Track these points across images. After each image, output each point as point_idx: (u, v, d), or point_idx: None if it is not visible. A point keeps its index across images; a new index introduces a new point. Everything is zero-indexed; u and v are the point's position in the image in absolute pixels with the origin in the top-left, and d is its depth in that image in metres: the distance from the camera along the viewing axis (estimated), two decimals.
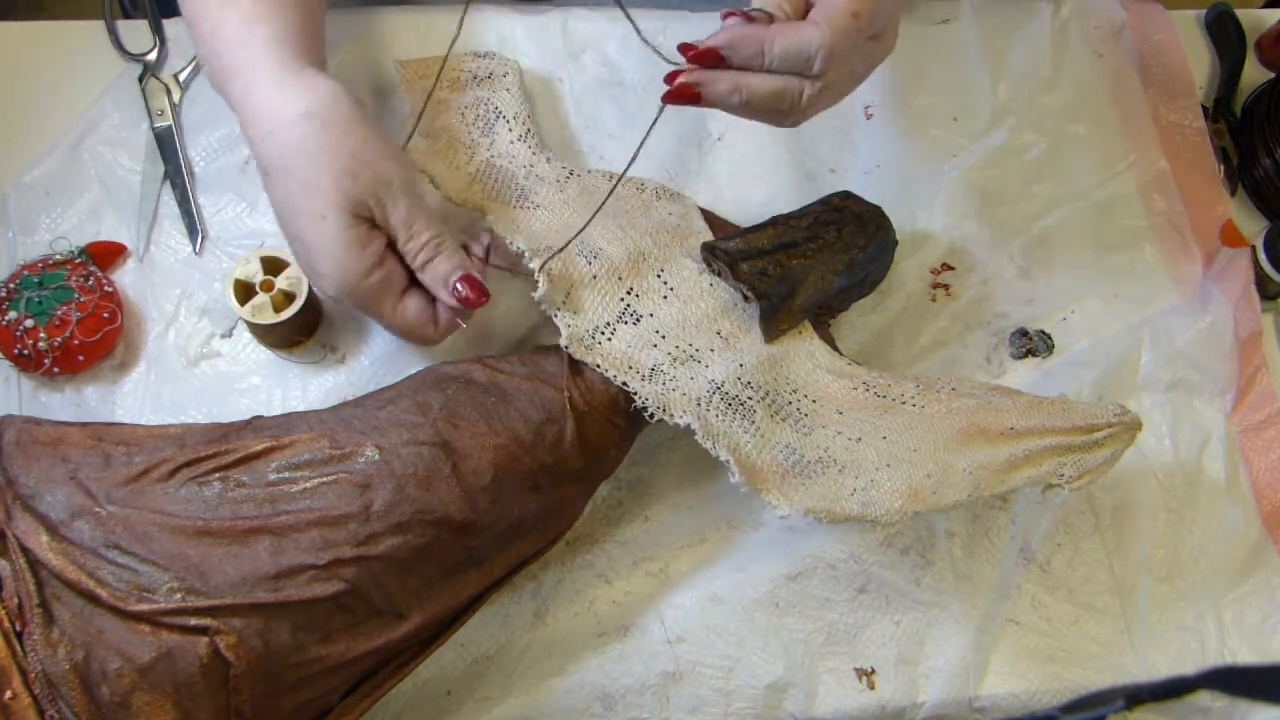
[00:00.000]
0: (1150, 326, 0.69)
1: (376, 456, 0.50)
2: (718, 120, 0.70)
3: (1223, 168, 0.75)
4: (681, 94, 0.50)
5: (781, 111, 0.50)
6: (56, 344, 0.58)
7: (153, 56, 0.66)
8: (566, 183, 0.61)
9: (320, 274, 0.52)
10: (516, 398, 0.53)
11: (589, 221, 0.56)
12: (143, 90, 0.65)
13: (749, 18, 0.49)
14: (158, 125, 0.65)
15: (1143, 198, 0.73)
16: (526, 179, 0.61)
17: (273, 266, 0.58)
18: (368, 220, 0.51)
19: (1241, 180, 0.76)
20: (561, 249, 0.55)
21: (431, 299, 0.54)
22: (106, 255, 0.62)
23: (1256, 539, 0.66)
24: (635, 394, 0.54)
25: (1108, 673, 0.62)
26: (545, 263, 0.55)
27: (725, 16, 0.50)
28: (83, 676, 0.44)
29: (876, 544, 0.62)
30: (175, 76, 0.66)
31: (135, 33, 0.67)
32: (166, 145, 0.64)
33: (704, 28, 0.72)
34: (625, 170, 0.53)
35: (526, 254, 0.56)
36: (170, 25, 0.67)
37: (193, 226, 0.63)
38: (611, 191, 0.55)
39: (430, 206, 0.53)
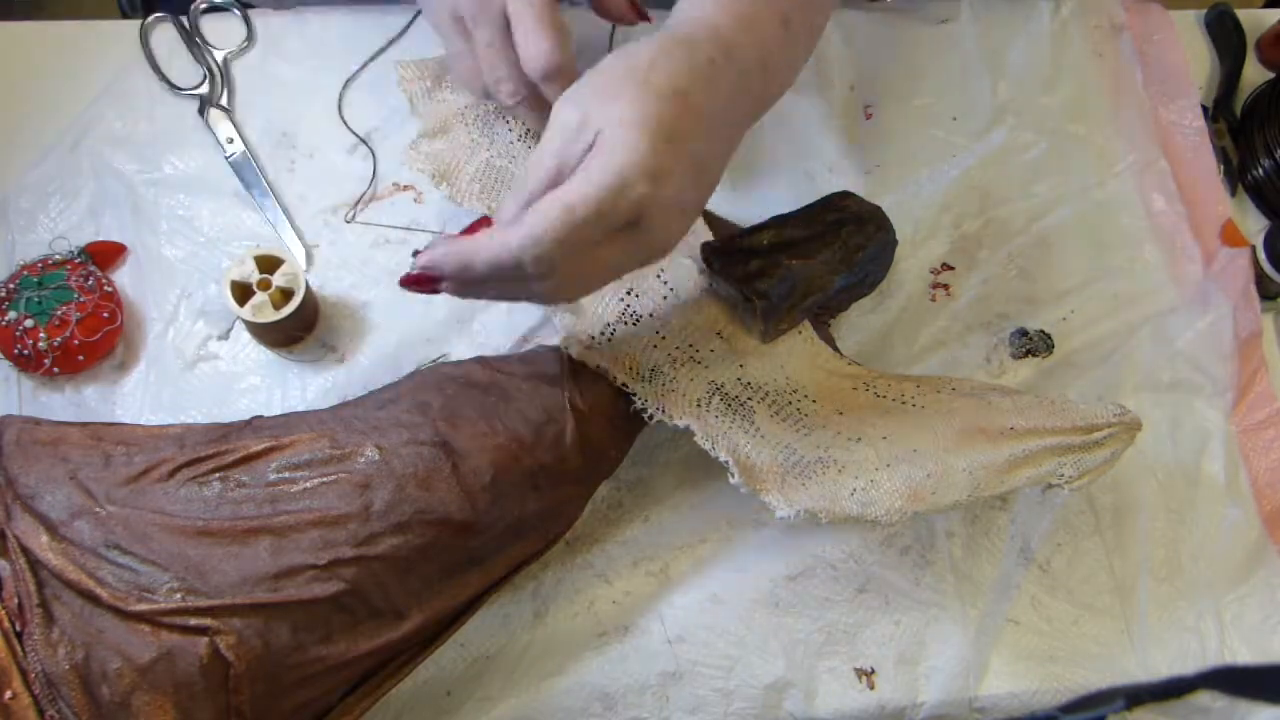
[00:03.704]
0: (1150, 326, 0.69)
1: (376, 456, 0.50)
2: None
3: (1223, 168, 0.75)
4: (415, 281, 0.46)
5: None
6: (56, 344, 0.58)
7: (205, 89, 0.66)
8: None
9: None
10: (516, 398, 0.53)
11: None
12: (206, 123, 0.65)
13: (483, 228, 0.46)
14: (231, 155, 0.64)
15: (1143, 198, 0.73)
16: None
17: (268, 265, 0.58)
18: None
19: (1241, 180, 0.76)
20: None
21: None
22: (106, 255, 0.62)
23: (1256, 539, 0.66)
24: (634, 395, 0.54)
25: (1108, 673, 0.62)
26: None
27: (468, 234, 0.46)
28: (83, 676, 0.44)
29: (876, 544, 0.62)
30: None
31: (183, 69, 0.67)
32: (245, 173, 0.64)
33: None
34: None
35: None
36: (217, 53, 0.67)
37: (297, 244, 0.64)
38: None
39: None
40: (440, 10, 0.55)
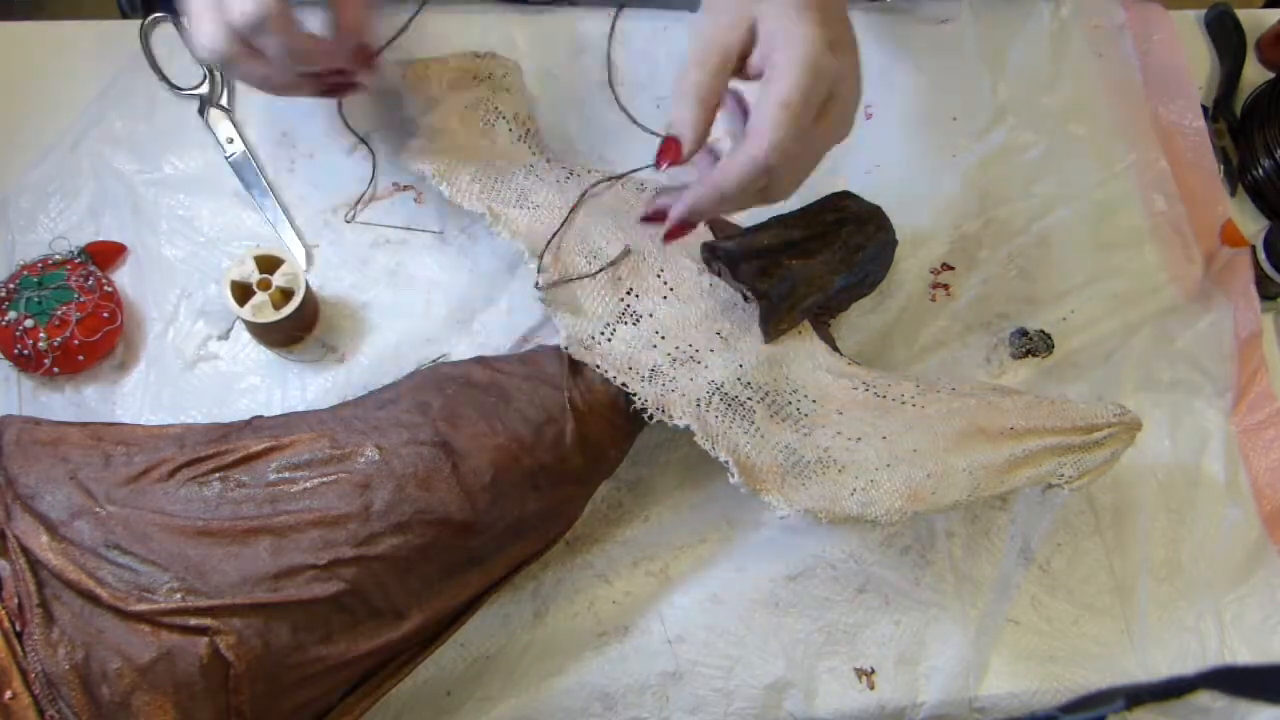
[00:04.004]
0: (1150, 326, 0.69)
1: (376, 456, 0.50)
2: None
3: (1223, 168, 0.75)
4: (678, 232, 0.50)
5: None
6: (56, 344, 0.58)
7: (205, 89, 0.66)
8: (566, 183, 0.61)
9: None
10: (516, 398, 0.53)
11: (574, 209, 0.56)
12: (206, 123, 0.65)
13: (672, 150, 0.48)
14: (231, 155, 0.65)
15: (1143, 198, 0.73)
16: (526, 179, 0.61)
17: (268, 265, 0.58)
18: None
19: (1241, 180, 0.76)
20: (550, 240, 0.56)
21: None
22: (106, 255, 0.62)
23: (1256, 539, 0.66)
24: (634, 395, 0.54)
25: (1108, 673, 0.62)
26: (541, 255, 0.55)
27: (660, 163, 0.48)
28: (83, 676, 0.44)
29: (876, 544, 0.62)
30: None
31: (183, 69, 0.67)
32: (245, 173, 0.64)
33: None
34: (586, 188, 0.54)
35: (527, 255, 0.56)
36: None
37: (297, 244, 0.64)
38: (584, 195, 0.55)
39: None
40: None
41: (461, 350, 0.63)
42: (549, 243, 0.57)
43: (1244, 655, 0.63)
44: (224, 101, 0.66)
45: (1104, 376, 0.67)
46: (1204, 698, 0.62)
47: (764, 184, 0.47)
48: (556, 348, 0.56)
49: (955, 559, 0.62)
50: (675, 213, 0.49)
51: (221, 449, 0.50)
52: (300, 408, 0.60)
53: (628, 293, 0.57)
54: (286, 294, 0.58)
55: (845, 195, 0.62)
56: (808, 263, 0.57)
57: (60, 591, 0.45)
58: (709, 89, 0.47)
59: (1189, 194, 0.73)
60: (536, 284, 0.55)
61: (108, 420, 0.58)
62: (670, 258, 0.59)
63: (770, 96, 0.46)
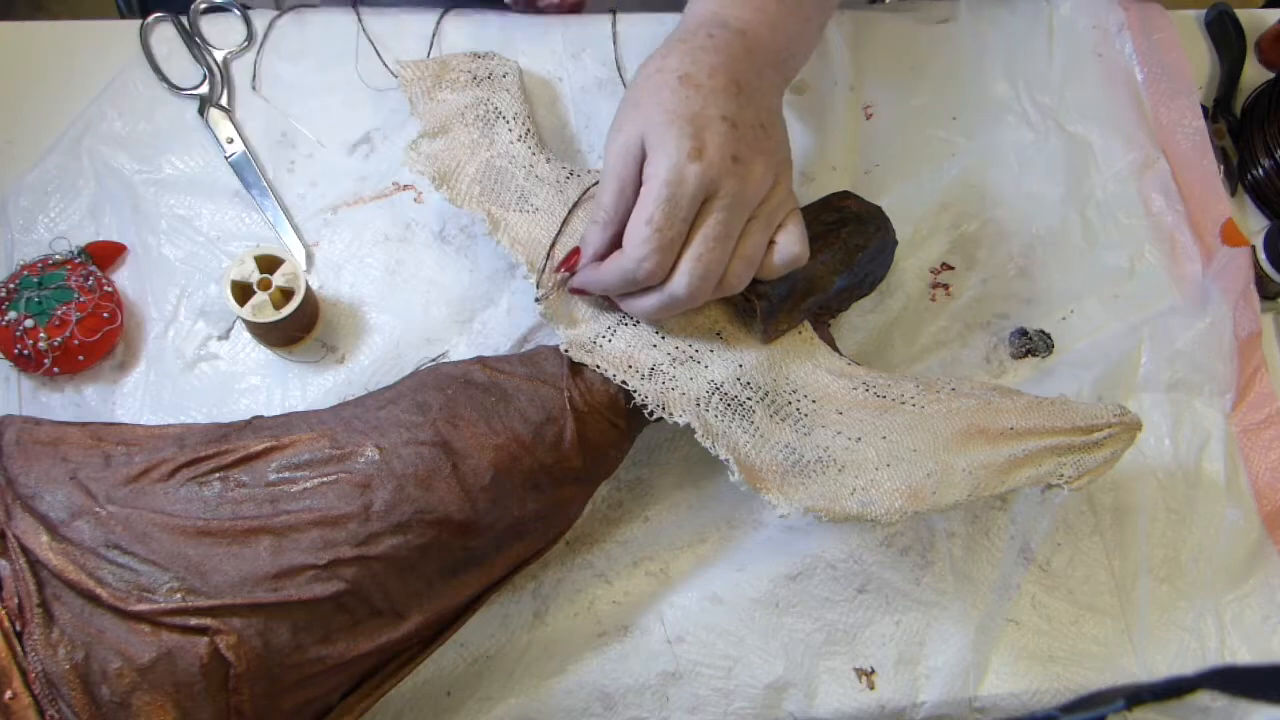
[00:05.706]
0: (1150, 326, 0.69)
1: (376, 456, 0.50)
2: None
3: (1223, 168, 0.75)
4: (578, 291, 0.55)
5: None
6: (56, 344, 0.58)
7: (205, 89, 0.66)
8: (566, 183, 0.61)
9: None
10: (516, 398, 0.53)
11: (572, 210, 0.57)
12: (206, 123, 0.65)
13: (575, 259, 0.54)
14: (231, 155, 0.65)
15: (1143, 198, 0.73)
16: (526, 179, 0.61)
17: (268, 265, 0.58)
18: None
19: (1241, 180, 0.76)
20: (550, 251, 0.56)
21: None
22: (106, 255, 0.62)
23: (1256, 539, 0.66)
24: (634, 392, 0.54)
25: (1108, 673, 0.62)
26: (542, 269, 0.56)
27: (561, 268, 0.55)
28: (83, 676, 0.44)
29: (876, 544, 0.62)
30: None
31: (182, 68, 0.67)
32: (245, 173, 0.64)
33: None
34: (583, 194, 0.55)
35: (525, 266, 0.57)
36: (217, 53, 0.67)
37: (297, 244, 0.64)
38: (583, 196, 0.56)
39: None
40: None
41: (461, 350, 0.63)
42: (548, 254, 0.56)
43: (1244, 655, 0.63)
44: (224, 101, 0.66)
45: (1104, 376, 0.67)
46: (1204, 698, 0.62)
47: (648, 283, 0.50)
48: (556, 348, 0.56)
49: (955, 559, 0.62)
50: (575, 280, 0.54)
51: (221, 449, 0.50)
52: (300, 408, 0.60)
53: None
54: (286, 294, 0.58)
55: (845, 195, 0.62)
56: (808, 263, 0.57)
57: (60, 591, 0.45)
58: (613, 216, 0.51)
59: (1189, 194, 0.73)
60: (536, 298, 0.56)
61: (108, 420, 0.58)
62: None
63: (636, 212, 0.49)
